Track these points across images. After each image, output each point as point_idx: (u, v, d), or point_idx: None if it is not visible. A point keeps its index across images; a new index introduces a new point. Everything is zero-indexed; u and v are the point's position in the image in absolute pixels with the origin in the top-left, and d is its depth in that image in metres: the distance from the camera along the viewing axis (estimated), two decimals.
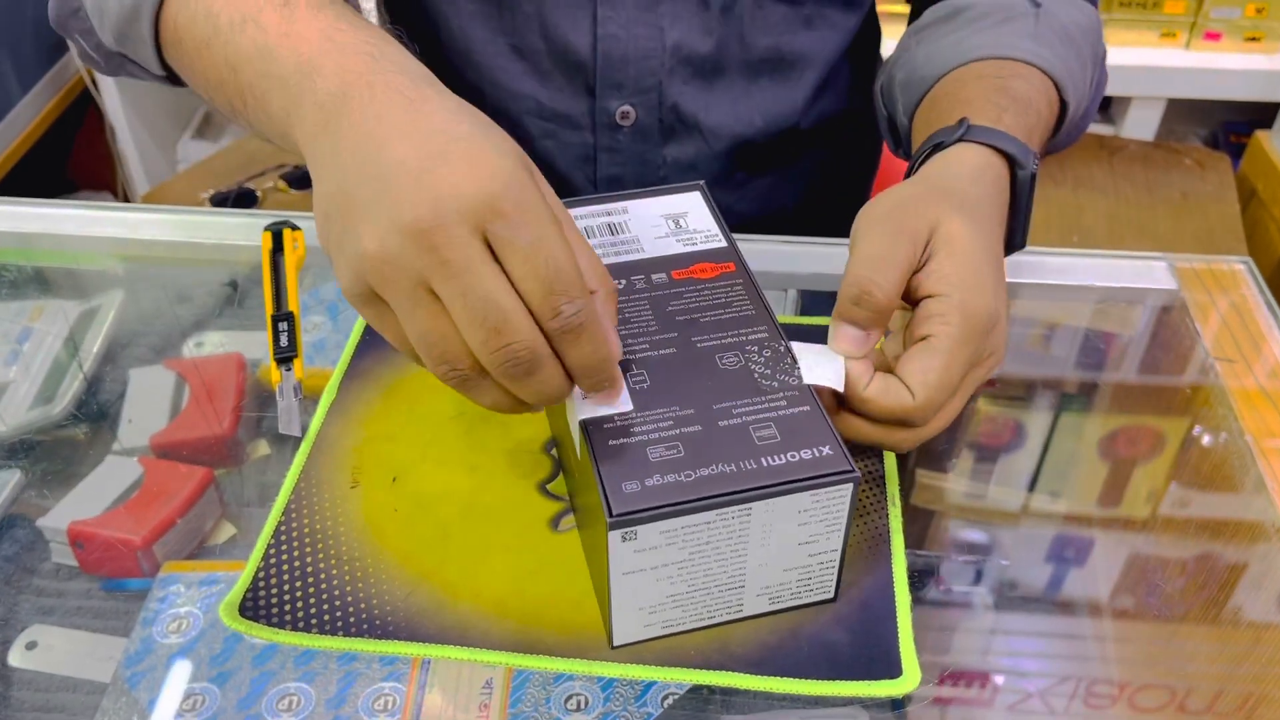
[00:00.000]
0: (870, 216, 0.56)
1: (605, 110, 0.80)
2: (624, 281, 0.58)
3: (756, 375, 0.52)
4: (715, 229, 0.62)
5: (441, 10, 0.78)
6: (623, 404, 0.50)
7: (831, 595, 0.52)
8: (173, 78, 0.62)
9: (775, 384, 0.51)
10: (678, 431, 0.49)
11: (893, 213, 0.56)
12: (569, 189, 0.85)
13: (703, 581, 0.49)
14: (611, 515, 0.45)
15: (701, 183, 0.66)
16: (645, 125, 0.81)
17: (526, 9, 0.77)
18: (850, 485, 0.47)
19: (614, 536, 0.46)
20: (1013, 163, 0.61)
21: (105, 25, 0.62)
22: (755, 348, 0.53)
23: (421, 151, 0.43)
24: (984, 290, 0.54)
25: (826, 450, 0.48)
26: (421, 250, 0.42)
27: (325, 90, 0.47)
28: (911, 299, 0.55)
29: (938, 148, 0.62)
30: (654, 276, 0.58)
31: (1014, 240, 0.64)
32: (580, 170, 0.84)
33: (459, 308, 0.42)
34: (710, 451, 0.48)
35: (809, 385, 0.51)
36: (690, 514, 0.46)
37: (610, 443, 0.48)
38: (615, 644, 0.51)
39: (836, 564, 0.51)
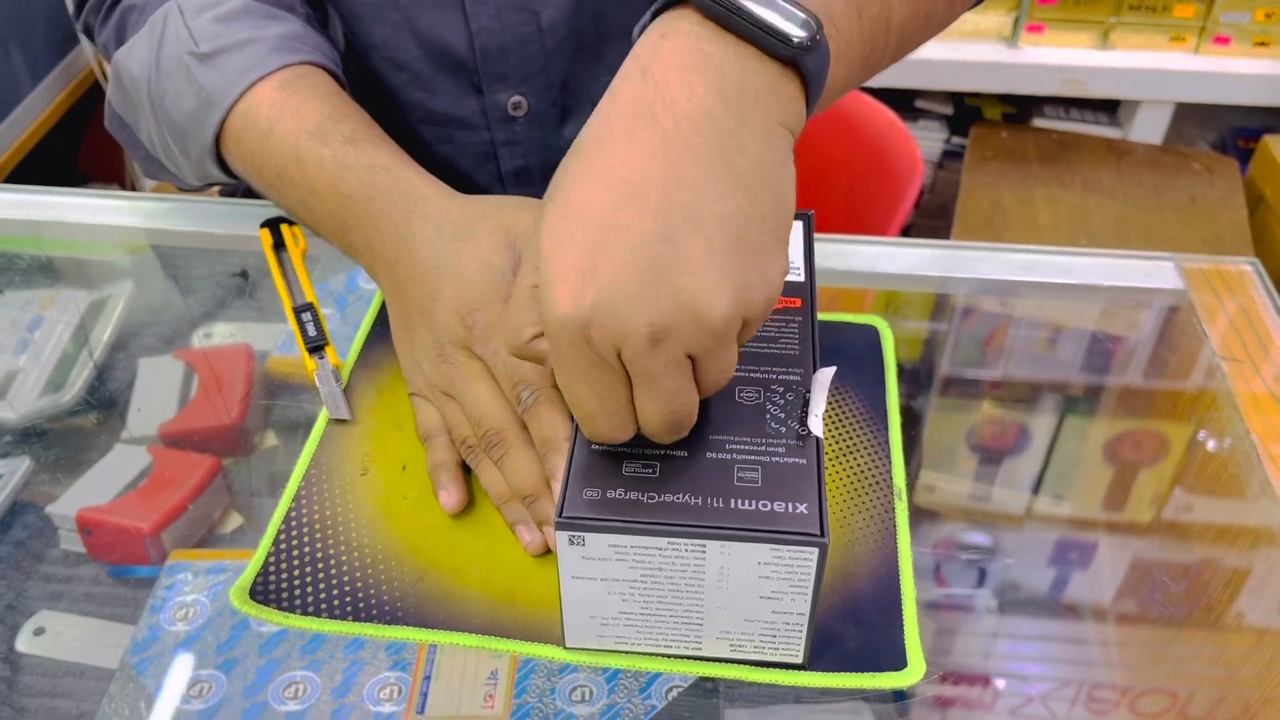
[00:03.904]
0: None
1: (496, 104, 0.78)
2: None
3: (768, 416, 0.50)
4: (800, 261, 0.59)
5: (330, 37, 0.77)
6: None
7: (800, 660, 0.50)
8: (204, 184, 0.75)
9: (783, 429, 0.49)
10: (662, 453, 0.48)
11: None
12: (473, 190, 0.81)
13: (656, 607, 0.48)
14: (561, 516, 0.46)
15: (810, 212, 0.62)
16: (540, 111, 0.78)
17: (392, 18, 0.74)
18: (816, 550, 0.45)
19: (561, 538, 0.46)
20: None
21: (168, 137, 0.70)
22: (780, 388, 0.52)
23: (424, 294, 0.59)
24: (552, 284, 0.42)
25: (802, 508, 0.46)
26: (440, 371, 0.58)
27: (358, 242, 0.63)
28: None
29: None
30: None
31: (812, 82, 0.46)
32: (483, 169, 0.82)
33: (464, 405, 0.57)
34: (684, 480, 0.47)
35: (817, 439, 0.49)
36: (639, 534, 0.46)
37: (593, 447, 0.48)
38: (568, 645, 0.51)
39: (804, 627, 0.48)
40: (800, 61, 0.44)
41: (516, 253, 0.59)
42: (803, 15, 0.43)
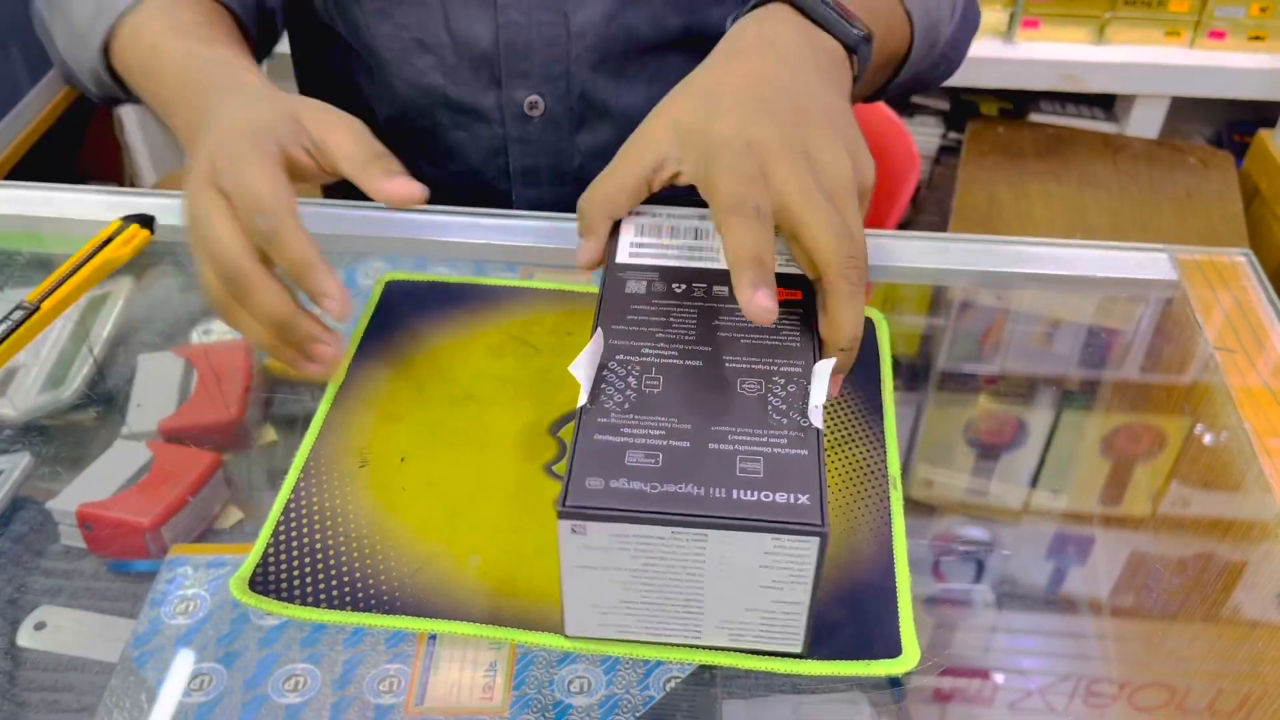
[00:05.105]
0: None
1: (513, 101, 0.78)
2: (682, 287, 0.57)
3: (770, 407, 0.50)
4: None
5: (348, 12, 0.77)
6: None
7: (799, 649, 0.51)
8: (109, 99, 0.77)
9: (785, 420, 0.50)
10: (665, 443, 0.48)
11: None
12: (482, 182, 0.83)
13: (657, 597, 0.49)
14: (564, 505, 0.46)
15: None
16: (555, 114, 0.79)
17: (428, 1, 0.75)
18: (816, 540, 0.45)
19: (564, 526, 0.46)
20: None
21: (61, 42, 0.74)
22: (782, 380, 0.52)
23: (209, 146, 0.58)
24: (715, 121, 0.54)
25: (804, 499, 0.46)
26: (193, 202, 0.57)
27: (182, 124, 0.64)
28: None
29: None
30: (715, 288, 0.57)
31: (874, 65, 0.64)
32: (493, 163, 0.82)
33: (200, 245, 0.56)
34: (687, 470, 0.47)
35: (817, 431, 0.49)
36: (642, 524, 0.46)
37: (596, 436, 0.49)
38: (568, 634, 0.51)
39: (803, 617, 0.49)
40: (858, 48, 0.60)
41: (280, 141, 0.59)
42: (862, 25, 0.60)
